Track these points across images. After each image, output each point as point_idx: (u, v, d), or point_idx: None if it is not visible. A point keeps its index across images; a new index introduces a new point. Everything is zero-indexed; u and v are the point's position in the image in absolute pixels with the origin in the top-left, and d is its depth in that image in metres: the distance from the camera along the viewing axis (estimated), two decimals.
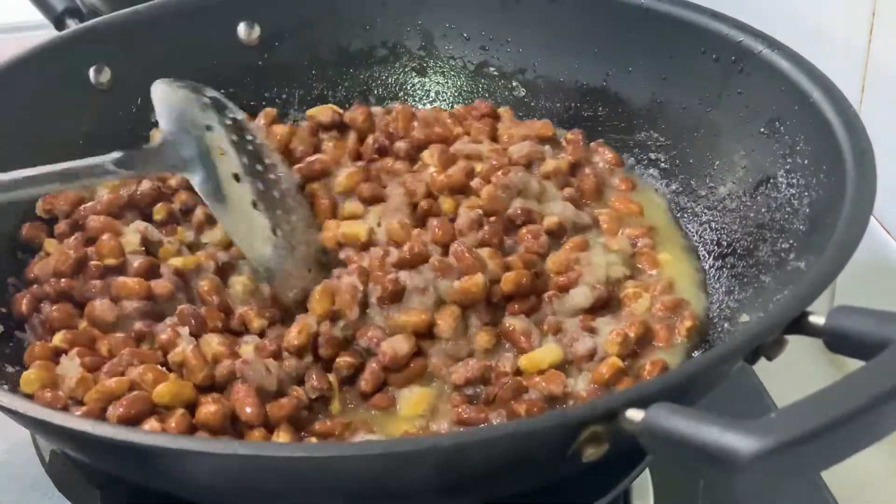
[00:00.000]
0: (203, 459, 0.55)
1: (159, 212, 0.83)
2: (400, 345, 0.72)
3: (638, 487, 0.74)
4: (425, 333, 0.74)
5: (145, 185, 0.84)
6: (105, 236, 0.78)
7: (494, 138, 0.91)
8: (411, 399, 0.72)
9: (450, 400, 0.71)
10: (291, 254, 0.76)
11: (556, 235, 0.81)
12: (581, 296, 0.75)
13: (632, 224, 0.84)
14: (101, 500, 0.72)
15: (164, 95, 0.77)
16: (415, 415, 0.71)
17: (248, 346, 0.72)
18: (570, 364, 0.72)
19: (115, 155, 0.72)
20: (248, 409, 0.67)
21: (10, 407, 0.58)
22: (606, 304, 0.76)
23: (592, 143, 0.92)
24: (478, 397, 0.71)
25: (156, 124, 0.91)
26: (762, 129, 0.79)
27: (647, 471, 0.74)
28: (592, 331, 0.73)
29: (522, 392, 0.69)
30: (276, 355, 0.72)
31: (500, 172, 0.83)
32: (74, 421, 0.58)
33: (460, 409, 0.69)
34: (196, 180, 0.74)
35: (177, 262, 0.78)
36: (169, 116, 0.75)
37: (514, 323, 0.74)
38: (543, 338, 0.74)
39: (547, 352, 0.72)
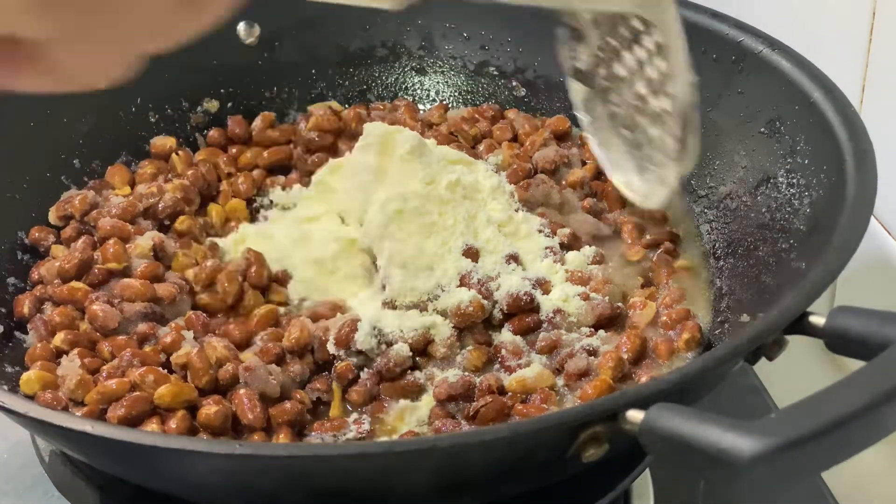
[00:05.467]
0: (203, 459, 0.54)
1: (182, 223, 0.83)
2: (399, 351, 0.72)
3: (638, 487, 0.74)
4: (421, 350, 0.73)
5: (167, 198, 0.84)
6: (111, 241, 0.78)
7: (515, 138, 0.92)
8: (397, 411, 0.71)
9: (430, 414, 0.70)
10: None
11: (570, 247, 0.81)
12: (582, 313, 0.75)
13: (654, 232, 0.83)
14: (100, 500, 0.72)
15: None
16: (396, 428, 0.70)
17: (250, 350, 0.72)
18: (562, 386, 0.71)
19: None
20: (250, 414, 0.67)
21: (10, 407, 0.58)
22: (612, 320, 0.75)
23: None
24: (460, 412, 0.69)
25: (155, 125, 0.92)
26: (762, 129, 0.79)
27: (647, 471, 0.73)
28: (592, 352, 0.72)
29: (505, 412, 0.68)
30: (280, 360, 0.71)
31: (521, 186, 0.84)
32: (74, 421, 0.58)
33: (438, 423, 0.68)
34: None
35: (190, 273, 0.78)
36: None
37: (505, 340, 0.74)
38: (537, 357, 0.73)
39: (536, 376, 0.70)
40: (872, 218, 0.68)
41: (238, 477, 0.57)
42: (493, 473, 0.57)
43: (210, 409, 0.67)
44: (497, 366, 0.73)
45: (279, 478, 0.56)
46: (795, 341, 0.59)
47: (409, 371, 0.73)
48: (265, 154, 0.91)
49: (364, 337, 0.72)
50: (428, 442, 0.59)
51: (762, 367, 0.62)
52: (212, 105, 0.95)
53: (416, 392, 0.72)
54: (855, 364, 0.53)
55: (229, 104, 0.95)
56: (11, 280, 0.79)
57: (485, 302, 0.74)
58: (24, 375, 0.70)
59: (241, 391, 0.68)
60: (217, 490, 0.62)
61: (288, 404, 0.69)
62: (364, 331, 0.72)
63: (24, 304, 0.76)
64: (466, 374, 0.71)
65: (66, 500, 0.73)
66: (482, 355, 0.73)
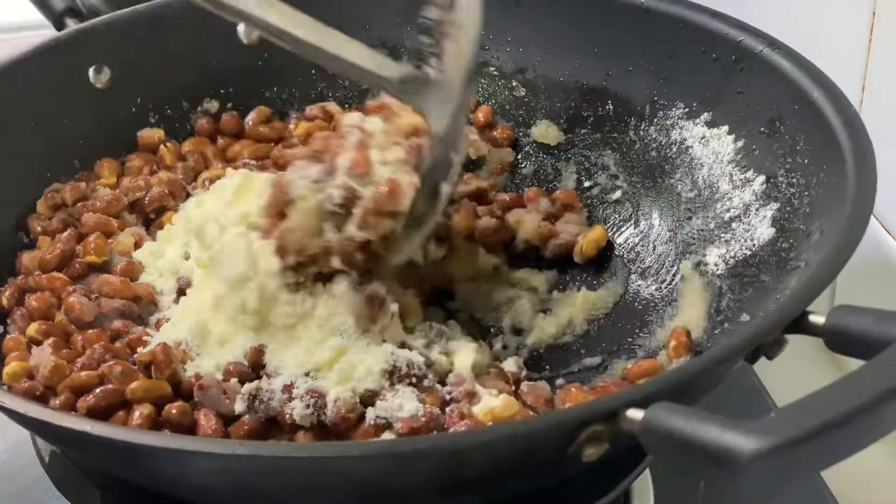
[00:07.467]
0: (202, 460, 0.55)
1: (169, 219, 0.83)
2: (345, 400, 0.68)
3: (638, 487, 0.74)
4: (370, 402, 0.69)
5: (154, 192, 0.84)
6: (92, 235, 0.78)
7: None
8: None
9: None
10: None
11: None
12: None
13: None
14: (100, 500, 0.72)
15: None
16: None
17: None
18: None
19: (403, 73, 0.70)
20: (206, 428, 0.66)
21: (10, 407, 0.58)
22: None
23: None
24: None
25: (155, 126, 0.92)
26: (762, 129, 0.79)
27: (647, 471, 0.74)
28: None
29: None
30: (244, 378, 0.69)
31: None
32: (74, 421, 0.58)
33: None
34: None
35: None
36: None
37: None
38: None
39: (503, 405, 0.67)
40: (872, 218, 0.68)
41: (237, 477, 0.57)
42: (494, 473, 0.57)
43: (175, 405, 0.67)
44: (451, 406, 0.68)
45: (278, 478, 0.56)
46: (795, 341, 0.59)
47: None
48: (246, 150, 0.91)
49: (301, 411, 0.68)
50: (428, 441, 0.59)
51: (762, 366, 0.62)
52: (212, 105, 0.95)
53: (381, 430, 0.67)
54: (855, 363, 0.53)
55: (229, 104, 0.95)
56: (11, 280, 0.79)
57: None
58: (7, 368, 0.70)
59: (200, 411, 0.68)
60: (216, 490, 0.62)
61: (246, 418, 0.67)
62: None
63: (4, 296, 0.76)
64: (428, 407, 0.67)
65: (66, 500, 0.73)
66: (437, 398, 0.68)
